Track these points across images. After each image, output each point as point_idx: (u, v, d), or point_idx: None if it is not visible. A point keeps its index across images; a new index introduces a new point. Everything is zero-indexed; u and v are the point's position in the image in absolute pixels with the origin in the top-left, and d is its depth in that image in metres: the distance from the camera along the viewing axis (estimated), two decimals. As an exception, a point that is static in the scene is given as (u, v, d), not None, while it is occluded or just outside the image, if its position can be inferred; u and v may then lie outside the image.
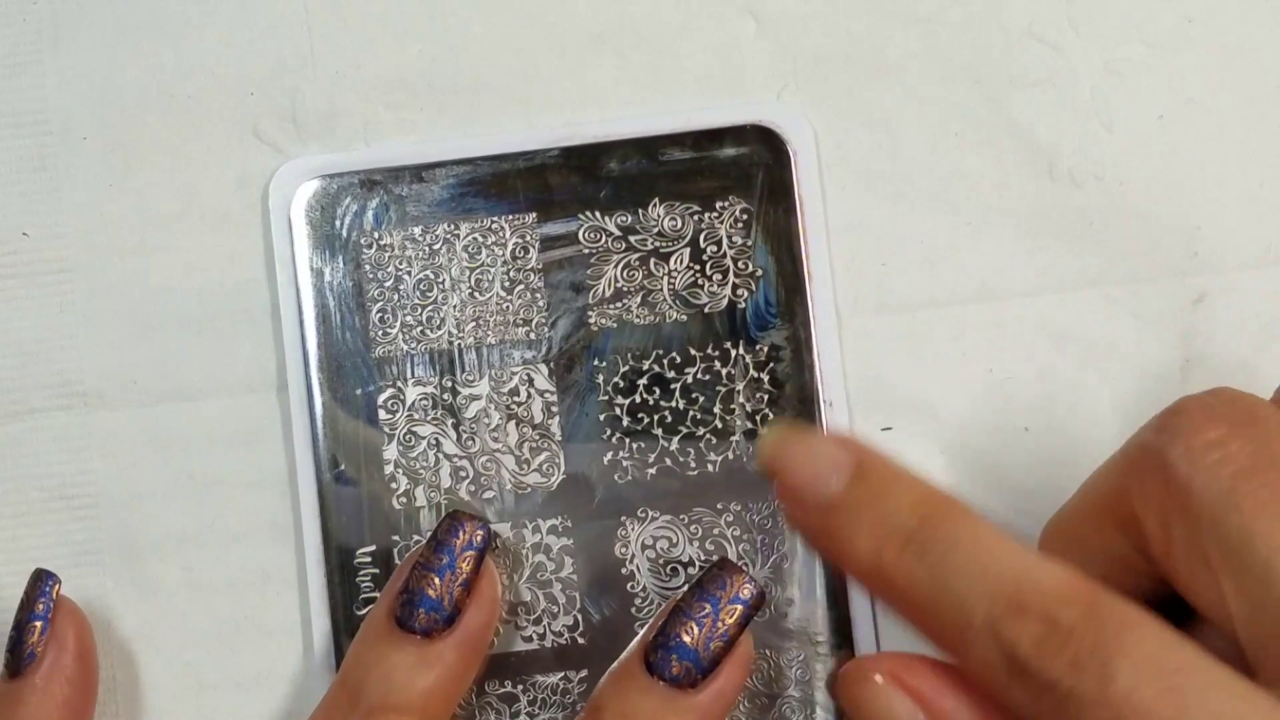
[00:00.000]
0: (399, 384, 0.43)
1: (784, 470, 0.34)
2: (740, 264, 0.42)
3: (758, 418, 0.42)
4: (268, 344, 0.43)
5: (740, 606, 0.37)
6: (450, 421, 0.42)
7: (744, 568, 0.39)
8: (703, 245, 0.42)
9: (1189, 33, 0.43)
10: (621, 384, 0.42)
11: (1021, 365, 0.42)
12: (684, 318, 0.42)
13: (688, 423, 0.42)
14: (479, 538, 0.39)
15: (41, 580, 0.40)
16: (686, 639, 0.37)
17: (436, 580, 0.39)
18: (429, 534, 0.40)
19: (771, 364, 0.42)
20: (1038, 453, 0.42)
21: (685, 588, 0.38)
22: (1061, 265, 0.42)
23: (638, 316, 0.42)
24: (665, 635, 0.37)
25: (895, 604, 0.33)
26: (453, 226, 0.43)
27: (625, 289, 0.42)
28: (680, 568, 0.42)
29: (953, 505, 0.33)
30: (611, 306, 0.42)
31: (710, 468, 0.42)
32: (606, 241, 0.43)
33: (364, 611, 0.42)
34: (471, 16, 0.43)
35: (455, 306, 0.43)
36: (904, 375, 0.42)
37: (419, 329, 0.43)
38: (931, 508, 0.33)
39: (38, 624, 0.40)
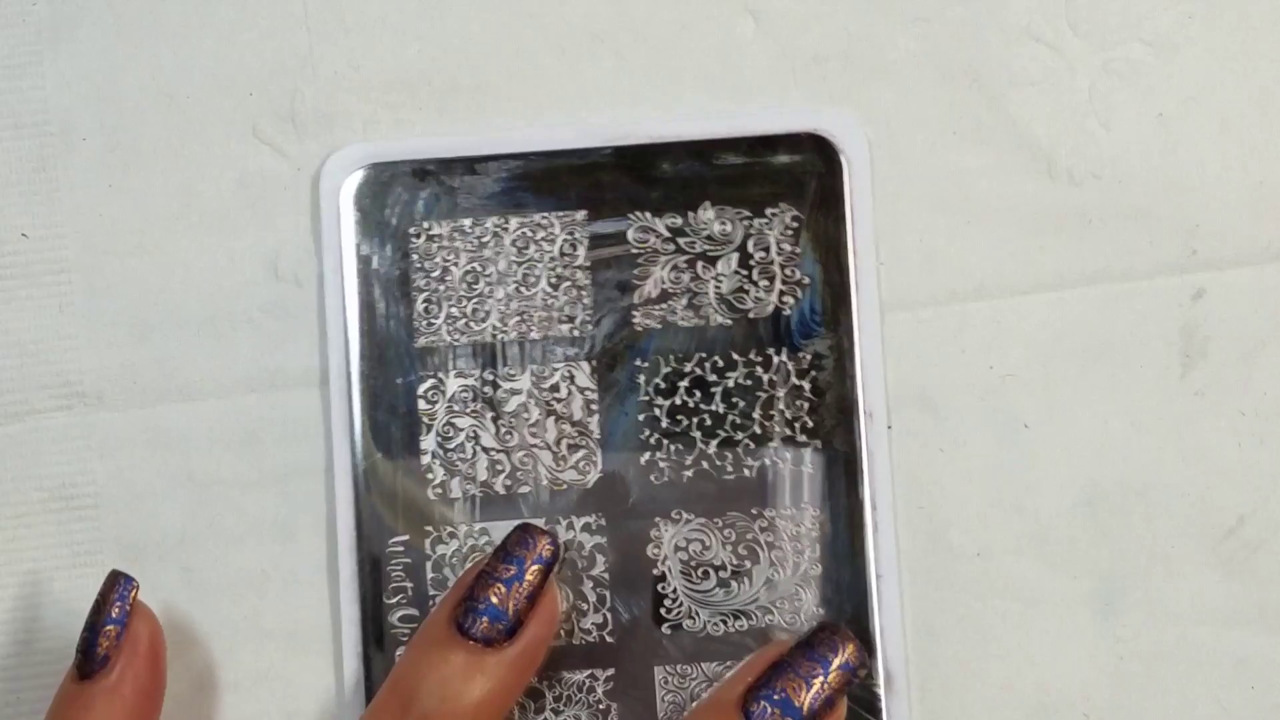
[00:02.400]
0: (440, 375, 0.42)
1: None
2: (788, 271, 0.42)
3: (796, 425, 0.42)
4: (266, 344, 0.43)
5: (847, 673, 0.38)
6: (489, 415, 0.42)
7: (851, 633, 0.38)
8: (751, 250, 0.42)
9: (1188, 31, 0.43)
10: (662, 385, 0.42)
11: (1021, 363, 0.42)
12: (728, 322, 0.42)
13: (726, 427, 0.42)
14: (548, 552, 0.39)
15: (118, 583, 0.40)
16: (793, 697, 0.37)
17: (502, 589, 0.38)
18: (497, 545, 0.39)
19: (813, 372, 0.42)
20: (1038, 450, 0.42)
21: (786, 638, 0.39)
22: (1060, 263, 0.43)
23: (682, 319, 0.42)
24: (770, 688, 0.37)
25: None
26: (502, 220, 0.43)
27: (671, 290, 0.42)
28: (711, 571, 0.42)
29: None
30: (656, 307, 0.42)
31: (747, 472, 0.42)
32: (655, 242, 0.43)
33: (394, 600, 0.42)
34: (471, 16, 0.43)
35: (501, 300, 0.43)
36: (903, 373, 0.42)
37: (463, 321, 0.42)
38: None
39: (112, 629, 0.39)
